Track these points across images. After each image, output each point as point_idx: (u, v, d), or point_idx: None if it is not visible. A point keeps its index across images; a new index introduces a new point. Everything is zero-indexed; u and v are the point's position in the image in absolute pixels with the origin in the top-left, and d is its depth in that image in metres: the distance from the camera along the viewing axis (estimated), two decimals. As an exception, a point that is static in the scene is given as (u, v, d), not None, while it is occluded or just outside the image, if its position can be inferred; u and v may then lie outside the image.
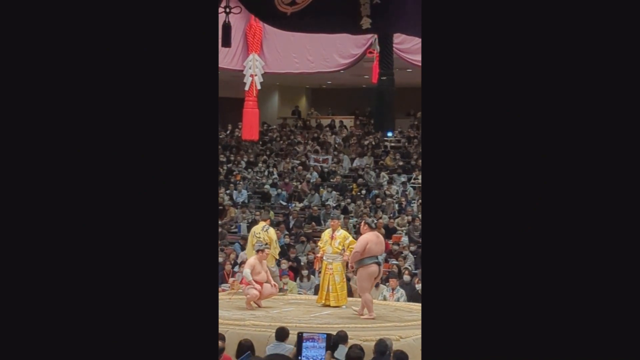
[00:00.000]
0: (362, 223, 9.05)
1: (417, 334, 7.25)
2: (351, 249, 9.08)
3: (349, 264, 8.73)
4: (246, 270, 9.16)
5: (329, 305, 9.14)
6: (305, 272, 11.52)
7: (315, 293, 10.57)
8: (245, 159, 18.23)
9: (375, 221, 10.06)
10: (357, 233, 13.90)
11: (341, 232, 9.28)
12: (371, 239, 8.52)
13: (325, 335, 2.71)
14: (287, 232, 14.29)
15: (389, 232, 14.11)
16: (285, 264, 11.69)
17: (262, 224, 10.55)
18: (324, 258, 9.22)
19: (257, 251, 9.35)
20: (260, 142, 18.57)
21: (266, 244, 9.90)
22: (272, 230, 10.43)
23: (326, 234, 9.37)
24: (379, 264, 8.59)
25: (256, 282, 9.03)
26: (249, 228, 14.61)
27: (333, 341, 5.94)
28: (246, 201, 16.29)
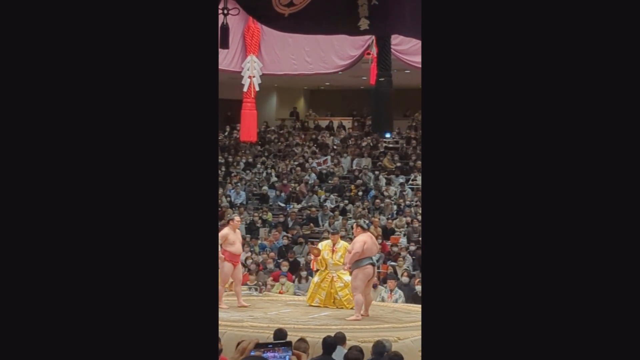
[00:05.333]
0: (355, 225, 9.04)
1: (415, 335, 7.26)
2: None
3: (346, 266, 8.72)
4: None
5: (327, 307, 9.16)
6: (303, 274, 11.51)
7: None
8: (243, 160, 18.23)
9: (367, 222, 10.00)
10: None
11: (341, 245, 9.30)
12: (367, 239, 8.54)
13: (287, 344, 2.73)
14: (285, 234, 14.30)
15: (387, 234, 14.12)
16: (285, 267, 11.69)
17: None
18: (328, 268, 9.24)
19: (229, 220, 9.27)
20: (260, 143, 18.57)
21: None
22: None
23: (326, 247, 9.38)
24: (374, 264, 8.61)
25: (231, 254, 8.94)
26: (247, 229, 14.62)
27: (331, 342, 5.94)
28: (244, 202, 16.29)
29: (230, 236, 8.92)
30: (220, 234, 9.06)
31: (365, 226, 8.92)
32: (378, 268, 10.18)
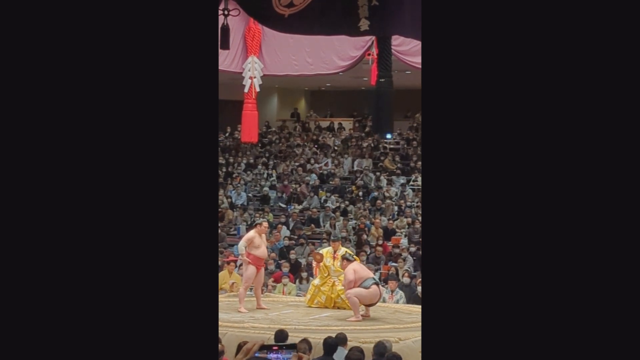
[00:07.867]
0: (341, 259, 8.92)
1: (416, 336, 7.24)
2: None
3: (347, 295, 8.61)
4: (241, 242, 9.06)
5: (327, 307, 9.18)
6: (304, 274, 11.51)
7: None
8: (244, 161, 18.24)
9: (353, 254, 9.87)
10: (356, 234, 13.96)
11: (342, 251, 9.31)
12: (355, 267, 8.54)
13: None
14: (286, 235, 14.31)
15: (388, 234, 14.14)
16: (286, 268, 11.69)
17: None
18: (330, 275, 9.26)
19: (256, 224, 9.33)
20: (260, 144, 18.58)
21: None
22: None
23: (327, 253, 9.38)
24: (378, 284, 8.59)
25: (256, 257, 8.94)
26: (247, 230, 14.62)
27: (332, 343, 5.94)
28: (245, 203, 16.30)
29: (256, 240, 8.94)
30: (246, 236, 9.11)
31: (350, 258, 8.84)
32: (382, 283, 10.14)
